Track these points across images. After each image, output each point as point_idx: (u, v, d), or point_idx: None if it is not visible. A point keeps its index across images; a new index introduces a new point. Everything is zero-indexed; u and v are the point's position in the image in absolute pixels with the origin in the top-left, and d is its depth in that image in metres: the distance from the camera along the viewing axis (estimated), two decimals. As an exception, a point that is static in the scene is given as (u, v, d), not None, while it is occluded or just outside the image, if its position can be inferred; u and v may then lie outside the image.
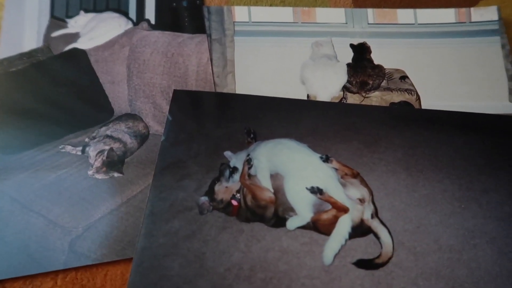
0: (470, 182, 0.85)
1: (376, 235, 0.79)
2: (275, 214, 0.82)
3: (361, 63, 1.01)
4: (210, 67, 1.00)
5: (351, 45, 1.03)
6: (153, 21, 1.08)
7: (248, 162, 0.85)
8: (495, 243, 0.79)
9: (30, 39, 1.06)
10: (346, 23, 1.06)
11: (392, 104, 0.97)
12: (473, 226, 0.81)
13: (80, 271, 0.82)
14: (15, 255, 0.82)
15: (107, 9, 1.10)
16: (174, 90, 0.98)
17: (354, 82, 0.99)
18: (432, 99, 0.97)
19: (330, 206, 0.79)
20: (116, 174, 0.91)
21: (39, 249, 0.83)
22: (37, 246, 0.83)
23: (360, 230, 0.80)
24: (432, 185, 0.85)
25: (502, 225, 0.81)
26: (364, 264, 0.78)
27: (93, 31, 1.06)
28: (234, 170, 0.86)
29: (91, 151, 0.93)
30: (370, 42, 1.03)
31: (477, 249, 0.79)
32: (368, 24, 1.06)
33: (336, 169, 0.84)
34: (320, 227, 0.80)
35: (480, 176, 0.86)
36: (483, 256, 0.78)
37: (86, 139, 0.96)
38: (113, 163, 0.92)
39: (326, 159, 0.84)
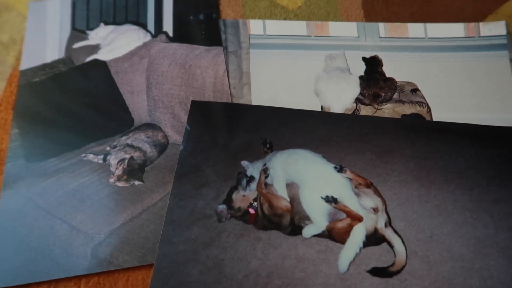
0: (481, 192, 0.87)
1: (390, 244, 0.81)
2: (291, 222, 0.84)
3: (373, 75, 1.03)
4: (227, 79, 1.03)
5: (363, 58, 1.05)
6: (171, 34, 1.11)
7: (265, 171, 0.87)
8: (506, 253, 0.80)
9: (52, 50, 1.09)
10: (358, 37, 1.08)
11: (404, 116, 0.98)
12: (485, 236, 0.82)
13: (102, 276, 0.84)
14: (39, 259, 0.84)
15: (126, 21, 1.12)
16: (192, 101, 1.00)
17: (366, 94, 1.01)
18: (443, 111, 0.98)
19: (344, 215, 0.81)
20: (136, 182, 0.93)
21: (63, 255, 0.85)
22: (61, 252, 0.85)
23: (374, 238, 0.81)
24: (443, 196, 0.86)
25: (513, 235, 0.82)
26: (379, 272, 0.79)
27: (113, 43, 1.09)
28: (251, 179, 0.88)
29: (112, 160, 0.95)
30: (381, 55, 1.05)
31: (489, 258, 0.80)
32: (380, 37, 1.08)
33: (350, 179, 0.86)
34: (335, 235, 0.82)
35: (490, 187, 0.87)
36: (495, 265, 0.79)
37: (107, 148, 0.98)
38: (133, 171, 0.94)
39: (340, 169, 0.86)
